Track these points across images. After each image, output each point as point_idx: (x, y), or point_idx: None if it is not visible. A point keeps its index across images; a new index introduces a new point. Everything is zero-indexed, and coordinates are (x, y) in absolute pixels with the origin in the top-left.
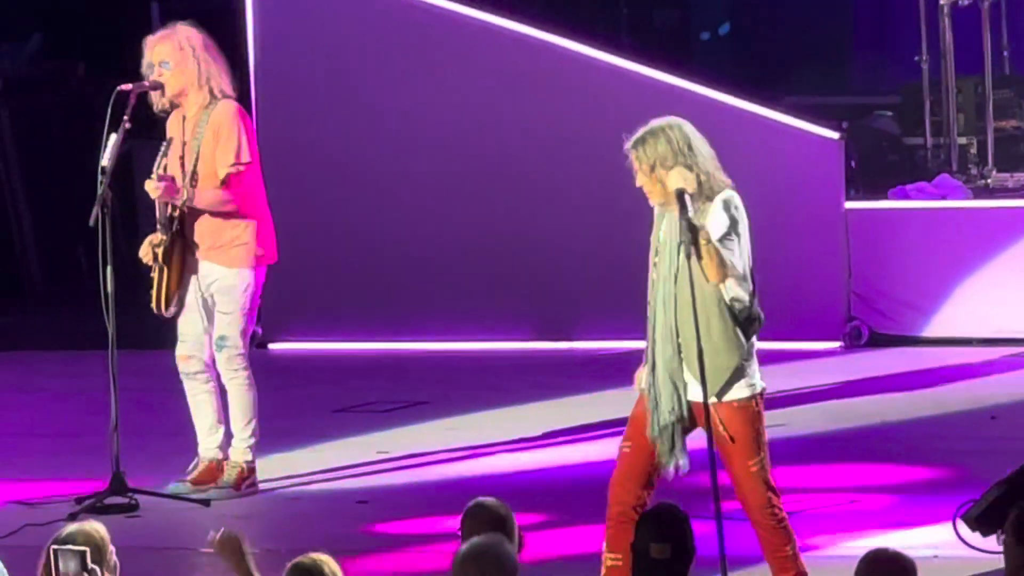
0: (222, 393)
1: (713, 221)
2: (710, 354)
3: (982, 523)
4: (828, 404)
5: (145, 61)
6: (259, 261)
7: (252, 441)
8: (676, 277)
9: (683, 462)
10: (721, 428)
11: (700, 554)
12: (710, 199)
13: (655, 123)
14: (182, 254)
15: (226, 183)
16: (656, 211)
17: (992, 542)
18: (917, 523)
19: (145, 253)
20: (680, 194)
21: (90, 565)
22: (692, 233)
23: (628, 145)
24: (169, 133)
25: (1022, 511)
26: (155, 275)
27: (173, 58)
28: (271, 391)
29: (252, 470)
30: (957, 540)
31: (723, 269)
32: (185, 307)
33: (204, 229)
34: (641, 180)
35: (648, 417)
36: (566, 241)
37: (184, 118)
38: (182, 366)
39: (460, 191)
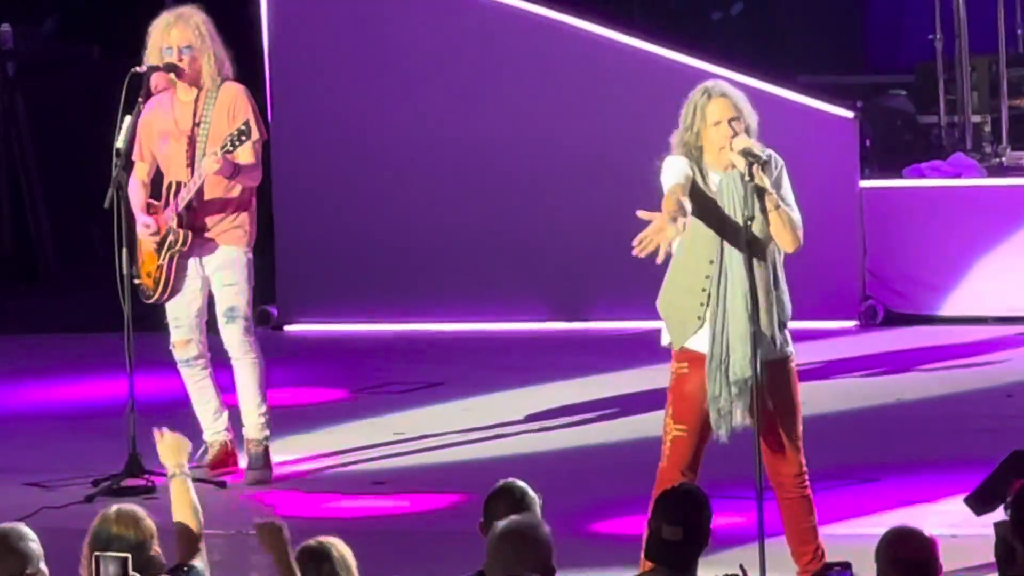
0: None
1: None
2: (782, 309)
3: (978, 503)
4: (843, 383)
5: (158, 44)
6: (251, 245)
7: (267, 416)
8: (747, 236)
9: (731, 428)
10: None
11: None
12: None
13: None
14: (188, 241)
15: (251, 159)
16: (693, 165)
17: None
18: (933, 502)
19: (147, 238)
20: (748, 154)
21: (131, 573)
22: (759, 199)
23: (711, 87)
24: (153, 116)
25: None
26: (160, 264)
27: (195, 43)
28: (287, 372)
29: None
30: (973, 519)
31: (796, 232)
32: (179, 292)
33: (208, 213)
34: (723, 131)
35: (708, 378)
36: (581, 221)
37: (177, 101)
38: (180, 352)
39: (476, 172)
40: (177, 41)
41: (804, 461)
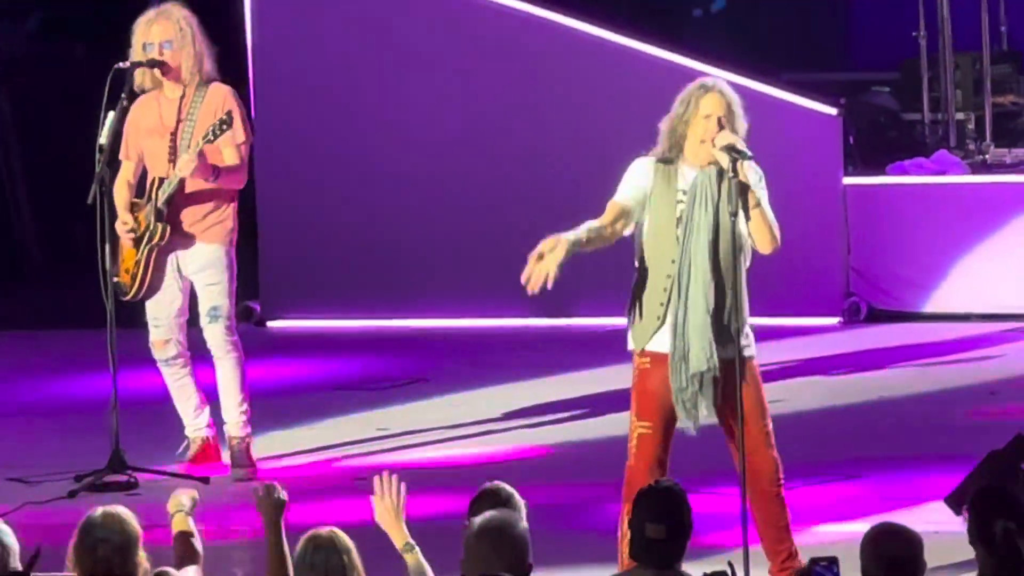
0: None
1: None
2: (740, 311)
3: (956, 503)
4: (826, 380)
5: (140, 41)
6: (233, 243)
7: (249, 414)
8: (715, 233)
9: (699, 421)
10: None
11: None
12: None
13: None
14: (166, 236)
15: (235, 160)
16: (661, 166)
17: None
18: (917, 499)
19: (125, 235)
20: (731, 149)
21: None
22: (742, 195)
23: (709, 82)
24: (140, 114)
25: (980, 518)
26: (138, 259)
27: (175, 38)
28: (270, 369)
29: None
30: (955, 517)
31: (775, 232)
32: (158, 290)
33: (189, 209)
34: (710, 125)
35: (671, 372)
36: (564, 217)
37: (164, 99)
38: (159, 352)
39: (458, 168)
40: (157, 37)
41: (778, 459)
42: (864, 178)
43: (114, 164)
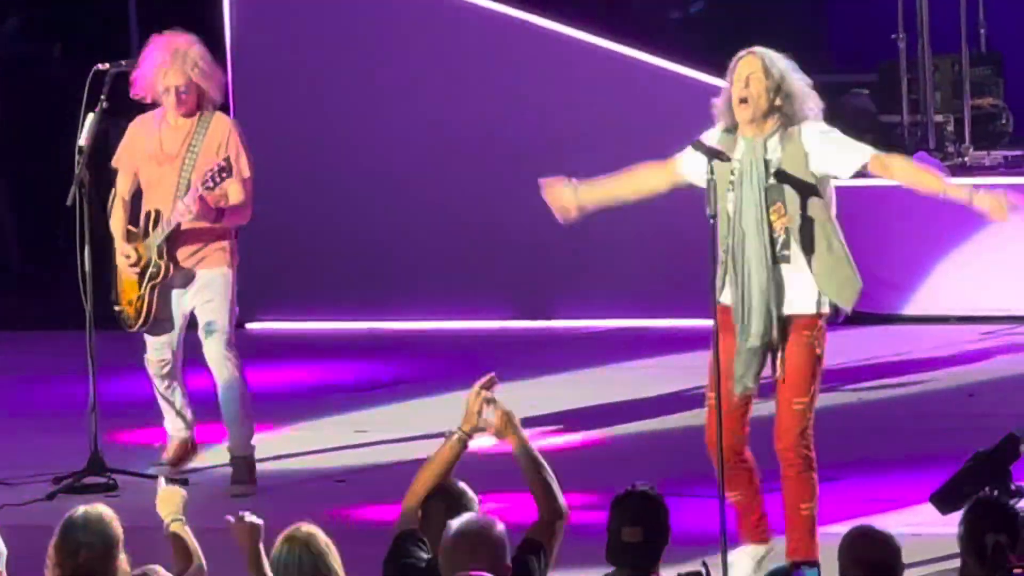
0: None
1: (822, 142)
2: (833, 265)
3: (943, 502)
4: None
5: (154, 84)
6: (232, 265)
7: (252, 431)
8: (765, 206)
9: (753, 385)
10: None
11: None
12: (793, 124)
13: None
14: (169, 273)
15: (240, 197)
16: (726, 136)
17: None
18: (896, 501)
19: (127, 269)
20: (709, 151)
21: None
22: (715, 193)
23: (744, 51)
24: (141, 133)
25: (972, 529)
26: (140, 295)
27: (197, 80)
28: (249, 371)
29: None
30: (936, 519)
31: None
32: (161, 322)
33: (190, 241)
34: (756, 88)
35: (737, 337)
36: (546, 220)
37: (166, 126)
38: (154, 368)
39: (439, 171)
40: (174, 82)
41: (799, 441)
42: (842, 180)
43: (92, 165)
